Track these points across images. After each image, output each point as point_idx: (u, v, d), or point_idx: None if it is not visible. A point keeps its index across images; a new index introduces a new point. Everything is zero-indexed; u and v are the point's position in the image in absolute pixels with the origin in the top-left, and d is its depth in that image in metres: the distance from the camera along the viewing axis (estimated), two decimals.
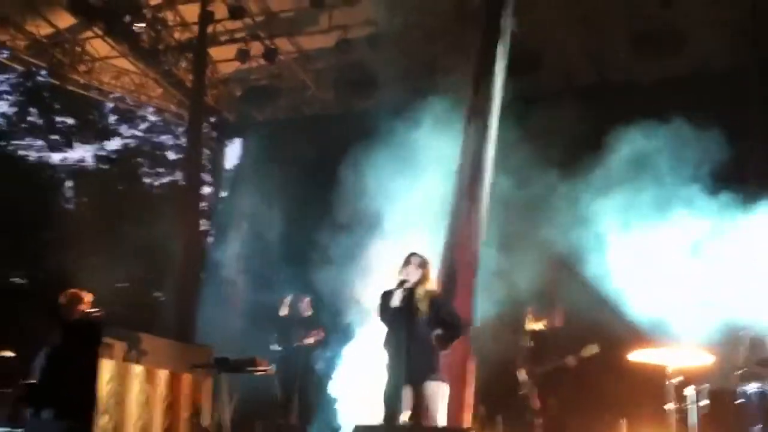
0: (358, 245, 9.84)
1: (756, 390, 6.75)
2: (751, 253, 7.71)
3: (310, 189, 12.01)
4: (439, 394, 5.84)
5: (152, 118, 19.10)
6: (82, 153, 20.01)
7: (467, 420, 7.17)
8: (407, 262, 6.08)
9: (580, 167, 8.98)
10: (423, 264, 6.09)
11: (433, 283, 6.16)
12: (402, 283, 5.94)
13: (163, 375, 6.41)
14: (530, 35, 9.77)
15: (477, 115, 7.95)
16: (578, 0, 10.86)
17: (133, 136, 20.25)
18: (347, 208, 10.78)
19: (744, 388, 6.78)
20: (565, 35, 11.03)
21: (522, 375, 8.91)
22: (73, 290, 7.66)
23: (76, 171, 19.78)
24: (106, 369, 5.81)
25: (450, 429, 5.75)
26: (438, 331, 5.99)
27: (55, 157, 19.78)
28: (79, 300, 7.53)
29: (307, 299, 10.13)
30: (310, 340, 9.86)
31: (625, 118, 9.07)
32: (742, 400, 6.72)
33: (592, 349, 8.71)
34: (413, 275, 5.99)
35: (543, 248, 8.88)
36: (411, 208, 9.19)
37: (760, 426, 6.62)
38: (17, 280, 17.51)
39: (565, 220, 8.81)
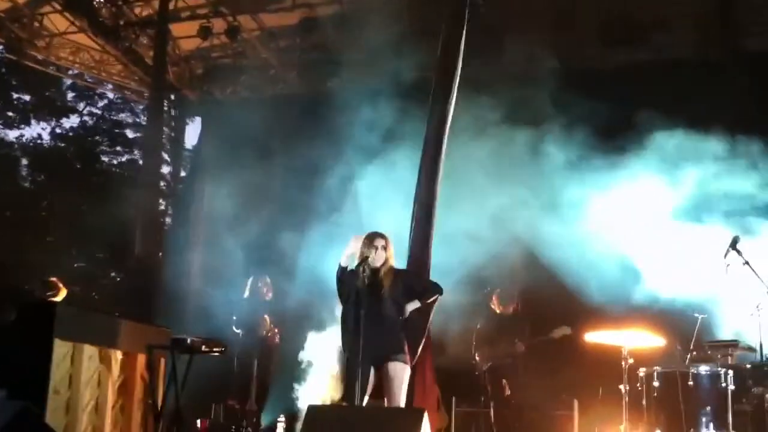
0: (320, 226, 9.84)
1: (707, 372, 6.86)
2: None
3: (271, 169, 11.96)
4: (401, 375, 5.88)
5: (111, 95, 18.82)
6: (39, 130, 19.71)
7: (426, 402, 7.23)
8: (371, 242, 6.06)
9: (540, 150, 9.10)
10: (386, 245, 6.12)
11: (394, 261, 6.19)
12: (364, 261, 5.92)
13: (117, 355, 6.35)
14: (492, 17, 9.79)
15: (440, 96, 7.97)
16: None
17: (91, 114, 19.97)
18: (307, 189, 10.77)
19: (695, 370, 6.88)
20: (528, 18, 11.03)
21: (477, 357, 8.98)
22: (53, 279, 7.72)
23: (33, 149, 19.44)
24: (59, 349, 5.73)
25: (404, 410, 5.77)
26: (416, 304, 6.06)
27: (11, 135, 19.46)
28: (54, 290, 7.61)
29: (268, 282, 10.08)
30: (267, 336, 9.87)
31: (586, 102, 9.18)
32: (694, 382, 6.82)
33: (563, 330, 8.78)
34: (379, 257, 6.00)
35: (503, 232, 8.95)
36: (375, 188, 9.19)
37: (710, 407, 6.74)
38: None
39: (523, 205, 8.91)
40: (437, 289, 6.32)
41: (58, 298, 8.04)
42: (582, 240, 8.56)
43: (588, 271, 8.44)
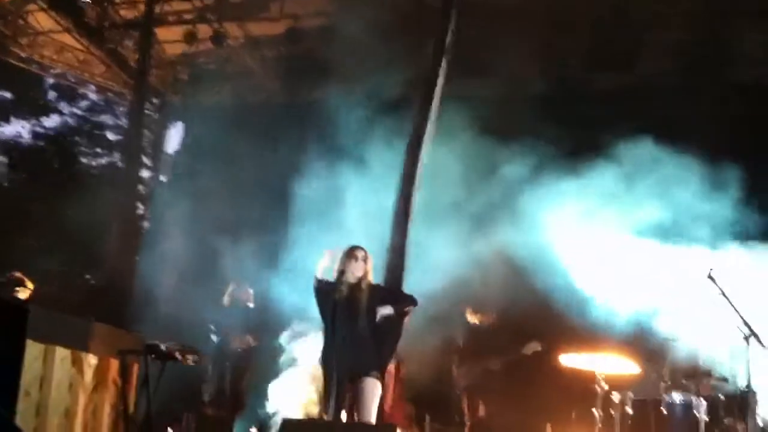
0: (298, 233, 9.81)
1: (680, 401, 6.89)
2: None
3: (251, 176, 11.94)
4: (374, 391, 5.88)
5: (93, 96, 18.69)
6: (18, 128, 19.49)
7: (395, 418, 7.22)
8: (351, 255, 6.06)
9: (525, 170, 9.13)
10: (366, 258, 6.13)
11: (372, 275, 6.20)
12: (341, 274, 5.92)
13: (89, 359, 6.28)
14: (480, 40, 9.85)
15: (421, 111, 8.02)
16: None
17: (72, 114, 19.79)
18: (287, 196, 10.75)
19: (669, 398, 6.91)
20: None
21: (454, 373, 8.96)
22: (18, 275, 7.59)
23: (12, 147, 19.24)
24: (30, 351, 5.66)
25: (376, 426, 5.75)
26: (388, 309, 6.04)
27: None
28: (21, 286, 7.47)
29: (249, 290, 10.01)
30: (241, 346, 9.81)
31: (576, 125, 9.26)
32: (667, 410, 6.85)
33: (534, 347, 8.78)
34: (358, 270, 6.01)
35: (481, 247, 8.97)
36: (356, 199, 9.20)
37: None
38: None
39: (504, 222, 8.93)
40: (411, 301, 6.34)
41: (25, 294, 7.90)
42: (555, 256, 8.58)
43: (561, 289, 8.45)
